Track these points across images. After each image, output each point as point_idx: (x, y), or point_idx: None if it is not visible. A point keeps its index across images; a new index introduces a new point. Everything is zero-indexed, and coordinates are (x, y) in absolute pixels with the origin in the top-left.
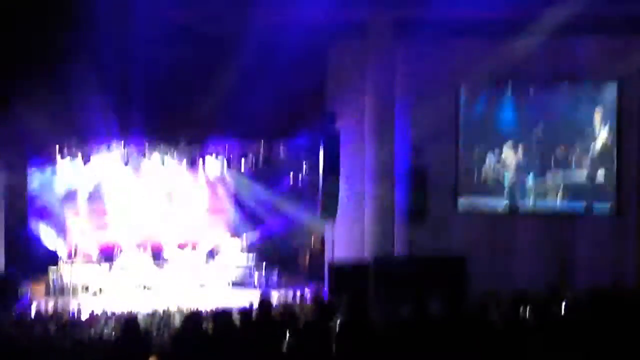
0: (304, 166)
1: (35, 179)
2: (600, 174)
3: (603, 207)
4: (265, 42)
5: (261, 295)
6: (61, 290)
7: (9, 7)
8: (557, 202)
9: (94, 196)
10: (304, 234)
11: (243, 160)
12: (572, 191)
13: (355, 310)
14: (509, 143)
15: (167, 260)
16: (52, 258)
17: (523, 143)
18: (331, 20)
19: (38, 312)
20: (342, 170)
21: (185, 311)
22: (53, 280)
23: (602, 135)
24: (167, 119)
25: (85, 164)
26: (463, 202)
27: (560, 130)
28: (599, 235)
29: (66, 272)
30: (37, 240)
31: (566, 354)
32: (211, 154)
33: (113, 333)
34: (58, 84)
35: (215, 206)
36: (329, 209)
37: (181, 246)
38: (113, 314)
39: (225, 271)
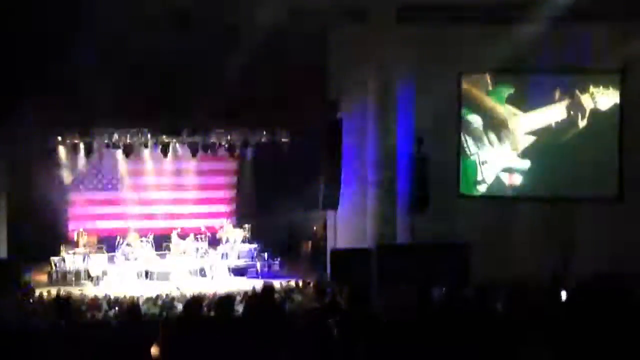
0: (306, 155)
1: (39, 169)
2: (603, 160)
3: (606, 193)
4: (266, 29)
5: (264, 282)
6: (64, 277)
7: None
8: (560, 187)
9: (97, 184)
10: (306, 222)
11: (246, 148)
12: (575, 177)
13: (357, 298)
14: (513, 129)
15: (169, 248)
16: (55, 245)
17: (528, 128)
18: (332, 5)
19: (40, 299)
20: (344, 157)
21: (187, 296)
22: (56, 267)
23: (604, 121)
24: (170, 107)
25: (88, 153)
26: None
27: (564, 116)
28: (601, 220)
29: (69, 260)
30: (40, 227)
31: (568, 340)
32: (214, 143)
33: (116, 319)
34: (60, 73)
35: (218, 195)
36: (331, 197)
37: (184, 234)
38: (116, 300)
39: (228, 259)
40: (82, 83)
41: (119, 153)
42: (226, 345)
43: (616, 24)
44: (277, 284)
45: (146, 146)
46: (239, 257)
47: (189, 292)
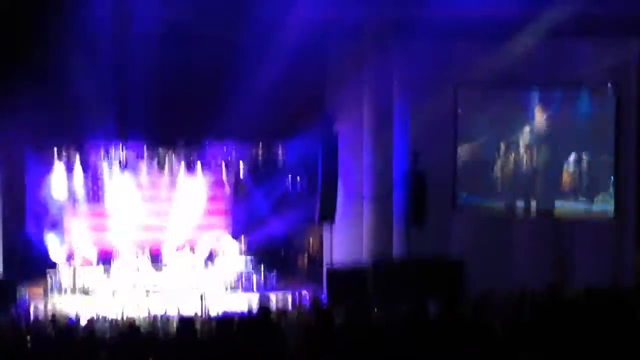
0: (303, 168)
1: (33, 182)
2: (599, 175)
3: (602, 209)
4: (262, 44)
5: (260, 300)
6: (59, 292)
7: (7, 8)
8: (555, 203)
9: (92, 199)
10: (302, 237)
11: (241, 162)
12: (570, 192)
13: (354, 313)
14: (506, 144)
15: (165, 263)
16: (50, 261)
17: (522, 144)
18: (328, 21)
19: (36, 316)
20: (340, 172)
21: (183, 315)
22: (51, 283)
23: (599, 136)
24: (165, 121)
25: (83, 166)
26: (462, 202)
27: (559, 133)
28: (597, 236)
29: (64, 275)
30: (35, 243)
31: (565, 354)
32: (209, 157)
33: (111, 337)
34: (56, 86)
35: (214, 209)
36: (328, 212)
37: (179, 249)
38: (112, 317)
39: (224, 274)
40: (77, 96)
41: (115, 166)
42: None
43: (612, 39)
44: (273, 297)
45: (142, 159)
46: (235, 272)
47: (185, 308)
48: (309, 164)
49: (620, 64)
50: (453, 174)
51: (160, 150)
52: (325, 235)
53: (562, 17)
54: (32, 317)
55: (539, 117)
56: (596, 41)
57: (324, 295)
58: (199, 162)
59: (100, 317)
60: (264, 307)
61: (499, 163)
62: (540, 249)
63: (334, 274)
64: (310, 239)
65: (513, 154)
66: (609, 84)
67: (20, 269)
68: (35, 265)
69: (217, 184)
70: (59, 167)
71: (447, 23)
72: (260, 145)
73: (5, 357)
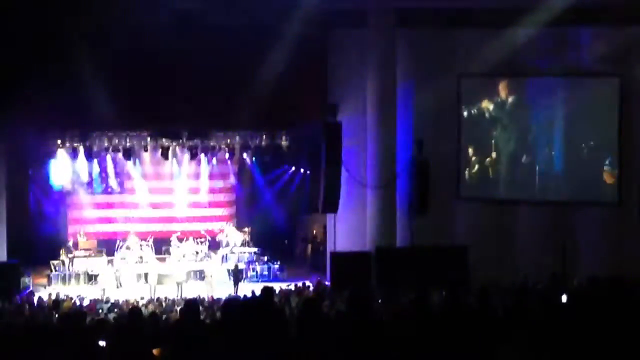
0: (306, 157)
1: (38, 171)
2: (603, 164)
3: (605, 197)
4: (266, 33)
5: (264, 285)
6: (63, 280)
7: (10, 4)
8: (559, 190)
9: (97, 188)
10: (306, 225)
11: (245, 152)
12: (575, 180)
13: (357, 300)
14: (511, 133)
15: (169, 251)
16: (55, 248)
17: (526, 133)
18: (332, 9)
19: (40, 302)
20: (344, 160)
21: (187, 298)
22: (55, 270)
23: (604, 126)
24: (170, 111)
25: (87, 156)
26: (465, 190)
27: (564, 121)
28: (601, 224)
29: (68, 262)
30: (40, 231)
31: (567, 342)
32: (213, 146)
33: (115, 322)
34: (61, 77)
35: (218, 199)
36: (331, 200)
37: (184, 237)
38: (115, 303)
39: (228, 262)
40: (82, 87)
41: (119, 156)
42: (225, 348)
43: (616, 27)
44: (276, 287)
45: (146, 149)
46: (238, 261)
47: (189, 296)
48: (313, 153)
49: (623, 52)
50: (457, 163)
51: (165, 140)
52: (329, 224)
53: (566, 5)
54: (36, 303)
55: (544, 105)
56: (602, 31)
57: (327, 283)
58: (203, 152)
59: (103, 302)
60: (267, 290)
61: (501, 155)
62: (544, 236)
63: (337, 261)
64: (314, 228)
65: (514, 145)
66: (615, 74)
67: (26, 257)
68: (40, 253)
69: (221, 174)
70: (63, 156)
71: (451, 11)
72: (265, 135)
73: (10, 342)
